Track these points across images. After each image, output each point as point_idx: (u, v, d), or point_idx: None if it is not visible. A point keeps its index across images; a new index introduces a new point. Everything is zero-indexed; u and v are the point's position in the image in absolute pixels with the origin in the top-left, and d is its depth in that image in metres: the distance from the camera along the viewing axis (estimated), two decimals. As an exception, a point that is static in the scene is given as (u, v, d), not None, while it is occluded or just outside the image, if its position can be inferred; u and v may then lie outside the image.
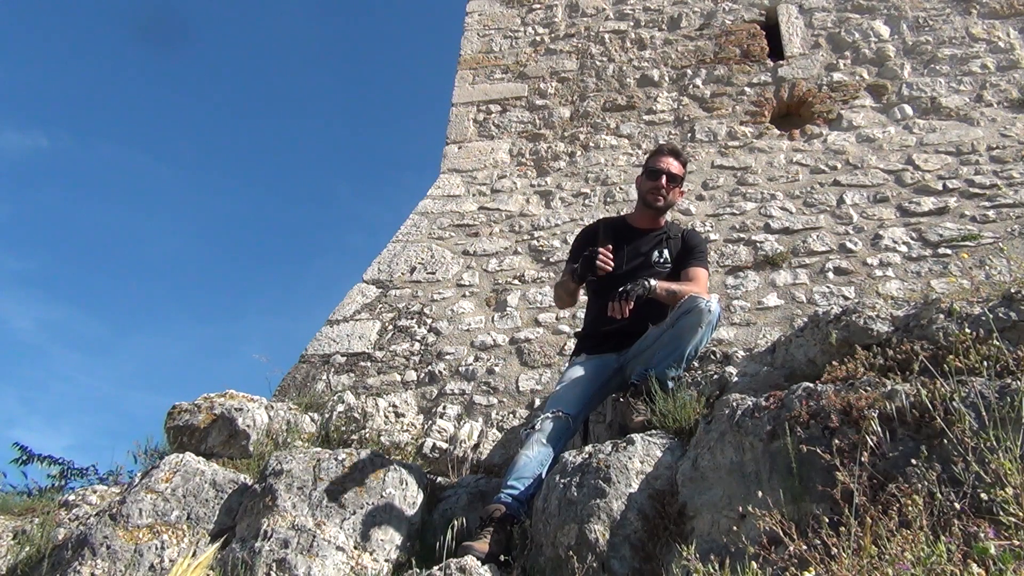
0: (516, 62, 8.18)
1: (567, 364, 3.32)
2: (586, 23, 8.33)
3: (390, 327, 6.16)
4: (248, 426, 4.01)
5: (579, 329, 3.58)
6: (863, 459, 2.00)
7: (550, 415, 2.95)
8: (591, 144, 7.41)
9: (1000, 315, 2.65)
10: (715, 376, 3.46)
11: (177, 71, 38.96)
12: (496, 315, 5.96)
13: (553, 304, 4.92)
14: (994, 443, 1.84)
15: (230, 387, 4.39)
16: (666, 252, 3.29)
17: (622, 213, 3.61)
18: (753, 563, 1.81)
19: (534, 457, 2.86)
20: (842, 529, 1.77)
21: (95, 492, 3.96)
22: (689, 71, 7.70)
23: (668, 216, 3.58)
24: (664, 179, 3.26)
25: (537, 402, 4.87)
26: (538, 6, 8.55)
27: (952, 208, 6.03)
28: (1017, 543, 1.51)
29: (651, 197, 3.30)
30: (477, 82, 8.10)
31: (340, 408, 4.36)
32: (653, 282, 3.09)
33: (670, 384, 3.03)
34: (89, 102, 39.23)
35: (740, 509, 2.23)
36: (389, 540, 2.90)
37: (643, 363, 3.16)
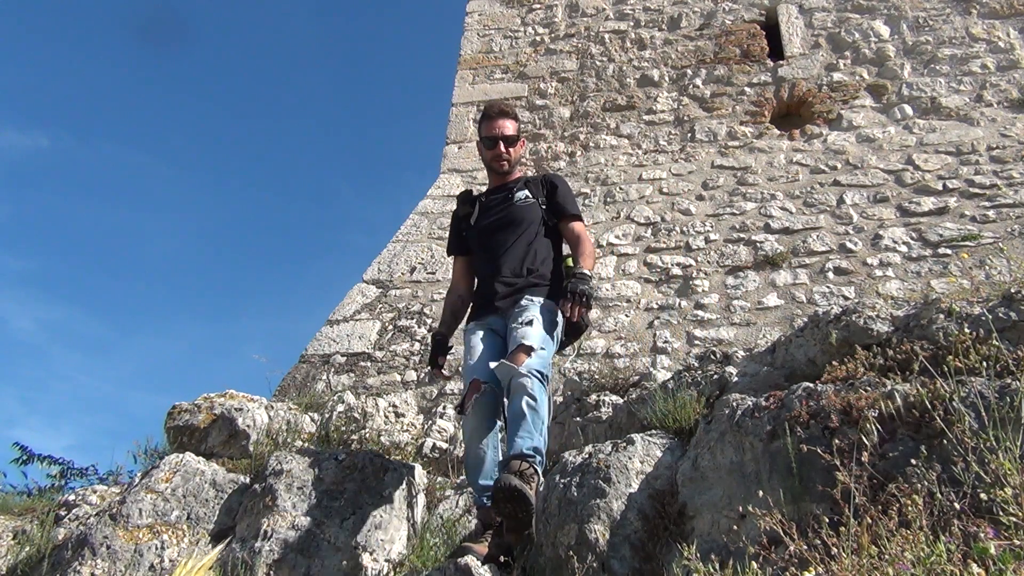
0: (516, 62, 8.18)
1: (464, 334, 3.16)
2: (586, 23, 8.33)
3: (390, 327, 6.16)
4: (248, 426, 4.01)
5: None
6: (863, 459, 2.00)
7: (476, 394, 2.77)
8: (591, 144, 7.41)
9: (1000, 315, 2.65)
10: (715, 376, 3.46)
11: (177, 71, 38.99)
12: (496, 315, 5.96)
13: None
14: (994, 443, 1.84)
15: (230, 387, 4.39)
16: (525, 192, 3.21)
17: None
18: (753, 563, 1.81)
19: (486, 445, 2.79)
20: (842, 529, 1.77)
21: (95, 492, 3.97)
22: (689, 71, 7.70)
23: (523, 172, 3.52)
24: (501, 145, 3.22)
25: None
26: (538, 6, 8.55)
27: (952, 208, 6.03)
28: (1017, 543, 1.51)
29: (496, 164, 3.27)
30: (477, 82, 8.10)
31: (340, 408, 4.36)
32: (586, 276, 2.93)
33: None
34: (89, 102, 39.28)
35: (740, 509, 2.23)
36: (389, 540, 2.90)
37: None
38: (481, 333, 3.01)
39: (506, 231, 3.11)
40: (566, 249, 3.21)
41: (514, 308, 2.93)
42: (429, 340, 6.02)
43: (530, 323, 2.80)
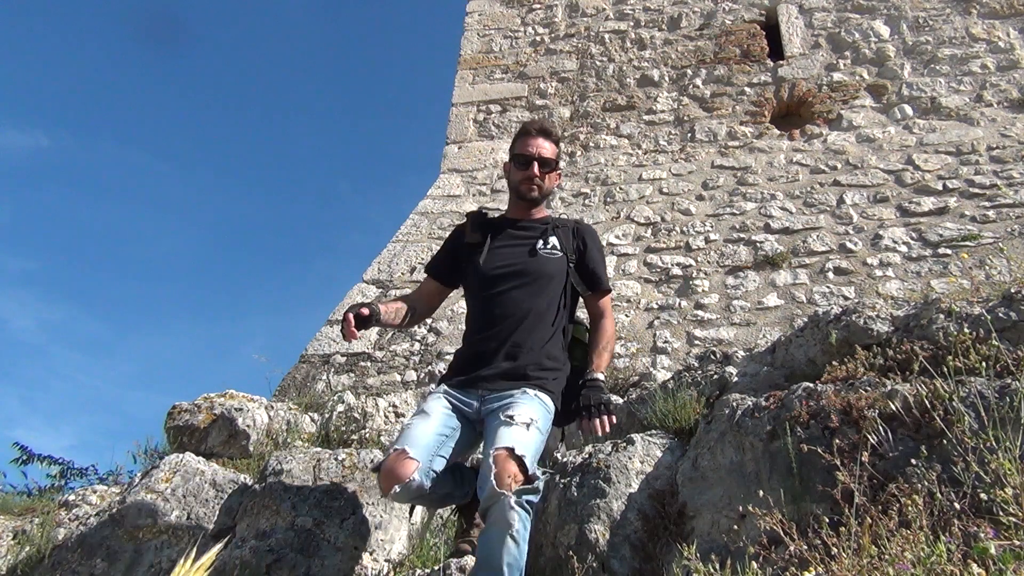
0: (516, 62, 8.18)
1: (426, 396, 2.66)
2: (586, 23, 8.33)
3: (390, 327, 6.16)
4: (248, 426, 4.01)
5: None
6: (863, 459, 2.00)
7: (396, 486, 2.29)
8: (591, 144, 7.41)
9: (1000, 315, 2.65)
10: (715, 376, 3.46)
11: (177, 70, 39.03)
12: (496, 315, 5.96)
13: None
14: (994, 443, 1.84)
15: (230, 387, 4.39)
16: (553, 240, 2.70)
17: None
18: (753, 563, 1.81)
19: (439, 494, 2.42)
20: (842, 529, 1.77)
21: (95, 492, 3.96)
22: (689, 71, 7.71)
23: (549, 211, 2.99)
24: (536, 166, 2.70)
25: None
26: (538, 6, 8.56)
27: (952, 208, 6.03)
28: (1017, 543, 1.51)
29: (524, 188, 2.73)
30: (477, 82, 8.10)
31: (340, 408, 4.36)
32: (599, 382, 2.50)
33: None
34: (89, 101, 39.33)
35: (740, 509, 2.23)
36: (389, 540, 2.90)
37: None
38: (448, 408, 2.47)
39: (523, 288, 2.58)
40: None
41: (506, 394, 2.42)
42: (425, 340, 6.04)
43: (527, 426, 2.28)
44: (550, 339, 2.56)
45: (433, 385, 2.63)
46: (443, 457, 2.38)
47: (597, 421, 2.39)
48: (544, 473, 2.49)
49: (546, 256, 2.65)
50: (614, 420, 2.46)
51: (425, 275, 2.90)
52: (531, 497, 2.16)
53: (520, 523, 2.10)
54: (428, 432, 2.38)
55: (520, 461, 2.15)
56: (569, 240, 2.72)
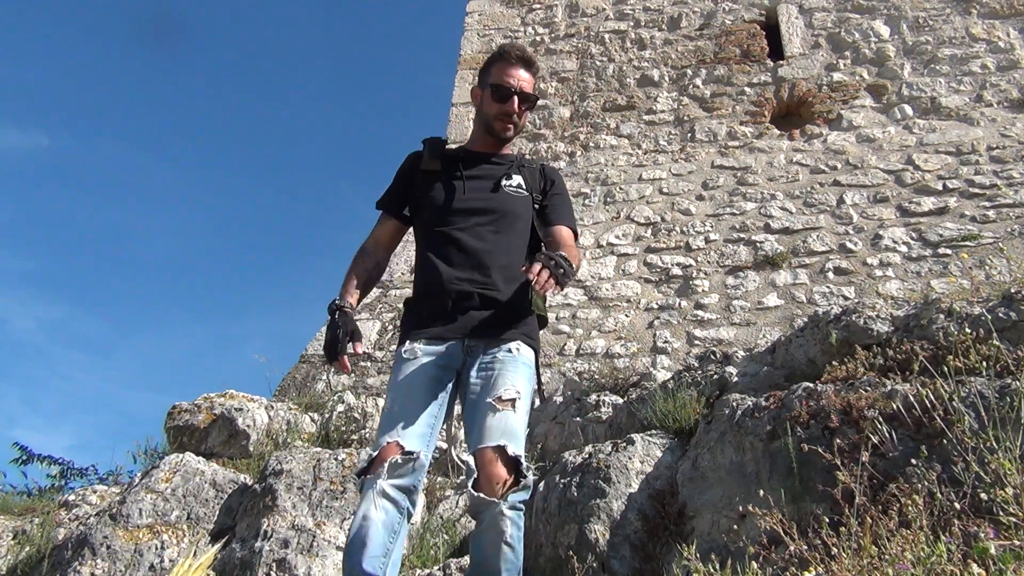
0: (516, 62, 8.18)
1: (396, 356, 2.26)
2: (586, 23, 8.33)
3: (390, 327, 6.16)
4: (248, 426, 4.01)
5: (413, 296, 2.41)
6: (863, 459, 2.00)
7: (397, 457, 1.98)
8: (591, 144, 7.41)
9: (1000, 315, 2.65)
10: (715, 376, 3.46)
11: (177, 69, 39.06)
12: (496, 315, 5.95)
13: None
14: (994, 443, 1.84)
15: (230, 387, 4.39)
16: (519, 179, 2.41)
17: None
18: (753, 563, 1.81)
19: (380, 522, 1.92)
20: (842, 529, 1.77)
21: (95, 492, 3.97)
22: (689, 71, 7.71)
23: (514, 148, 2.66)
24: (515, 102, 2.40)
25: (538, 402, 4.85)
26: (538, 6, 8.55)
27: (952, 208, 6.03)
28: (1017, 543, 1.51)
29: (499, 127, 2.41)
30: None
31: (340, 408, 4.36)
32: (568, 259, 2.08)
33: None
34: (89, 101, 39.37)
35: (740, 509, 2.23)
36: (389, 540, 2.90)
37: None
38: (427, 370, 2.15)
39: (489, 224, 2.31)
40: None
41: (489, 351, 2.16)
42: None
43: (513, 404, 2.05)
44: (522, 286, 2.24)
45: (406, 344, 2.22)
46: (434, 426, 2.12)
47: (538, 265, 1.97)
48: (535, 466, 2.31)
49: (511, 194, 2.37)
50: (553, 287, 1.98)
51: (380, 213, 2.50)
52: (523, 496, 1.96)
53: (514, 527, 1.92)
54: (415, 413, 2.09)
55: (512, 462, 1.96)
56: (536, 180, 2.45)
